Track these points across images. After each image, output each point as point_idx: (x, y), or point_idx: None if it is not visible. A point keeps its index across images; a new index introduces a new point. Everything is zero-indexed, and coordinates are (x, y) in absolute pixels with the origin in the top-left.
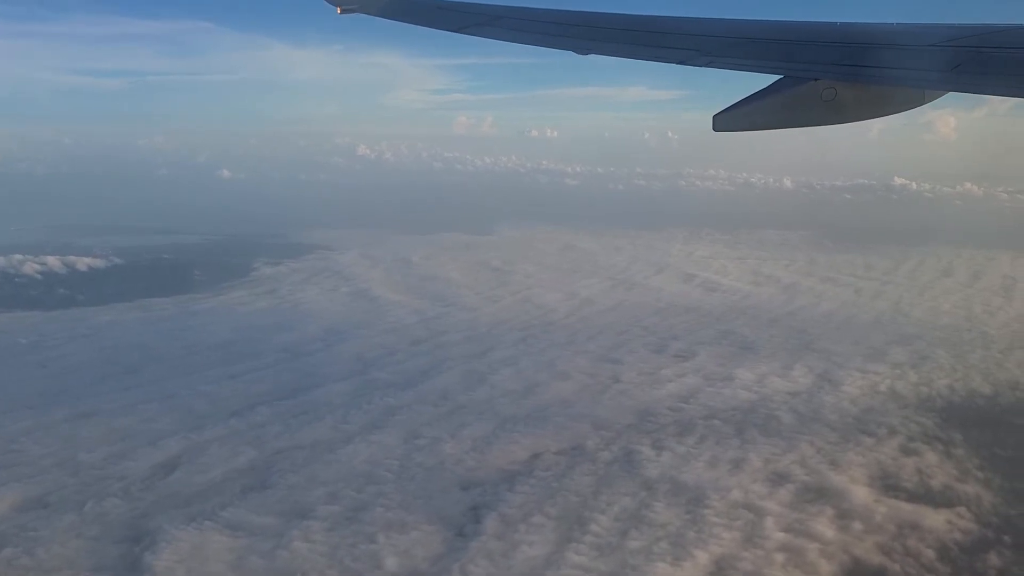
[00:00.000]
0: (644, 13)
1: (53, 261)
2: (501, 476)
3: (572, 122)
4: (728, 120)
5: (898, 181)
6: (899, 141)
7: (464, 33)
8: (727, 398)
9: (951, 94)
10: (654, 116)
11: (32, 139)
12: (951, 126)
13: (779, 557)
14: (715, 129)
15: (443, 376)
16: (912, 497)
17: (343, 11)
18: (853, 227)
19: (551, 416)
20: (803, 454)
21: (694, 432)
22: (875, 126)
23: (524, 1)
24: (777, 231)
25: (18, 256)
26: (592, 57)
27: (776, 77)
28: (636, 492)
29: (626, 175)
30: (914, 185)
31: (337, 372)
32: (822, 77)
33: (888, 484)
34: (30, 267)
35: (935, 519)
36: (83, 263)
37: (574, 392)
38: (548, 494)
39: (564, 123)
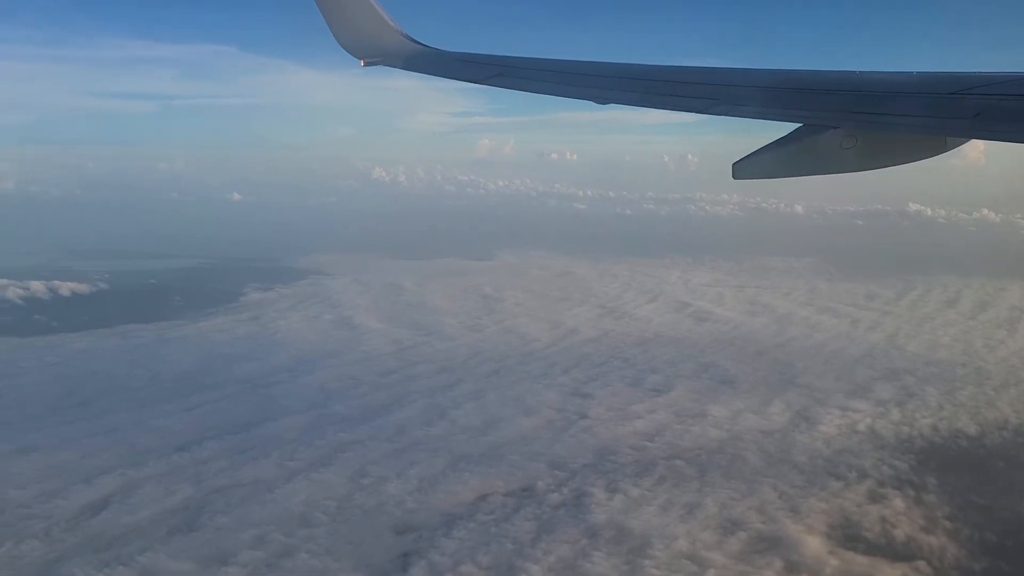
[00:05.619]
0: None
1: (37, 286)
2: (441, 519)
3: (593, 145)
4: (747, 168)
5: (913, 207)
6: (925, 166)
7: (486, 84)
8: (695, 436)
9: None
10: (674, 138)
11: (55, 162)
12: (980, 150)
13: None
14: (735, 177)
15: (403, 410)
16: (870, 549)
17: (367, 64)
18: (861, 254)
19: (506, 454)
20: (763, 499)
21: (653, 473)
22: None
23: (542, 52)
24: (782, 258)
25: (3, 281)
26: None
27: (795, 125)
28: (577, 539)
29: (636, 200)
30: (929, 211)
31: (296, 405)
32: (841, 126)
33: (848, 534)
34: (13, 292)
35: (889, 574)
36: (67, 288)
37: (536, 428)
38: (485, 540)
39: (585, 146)
